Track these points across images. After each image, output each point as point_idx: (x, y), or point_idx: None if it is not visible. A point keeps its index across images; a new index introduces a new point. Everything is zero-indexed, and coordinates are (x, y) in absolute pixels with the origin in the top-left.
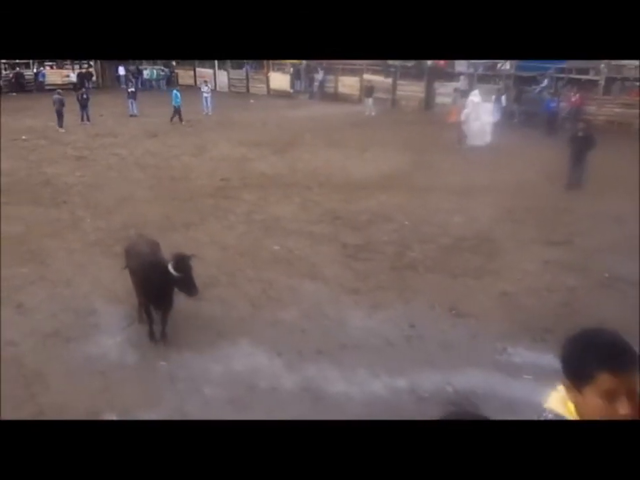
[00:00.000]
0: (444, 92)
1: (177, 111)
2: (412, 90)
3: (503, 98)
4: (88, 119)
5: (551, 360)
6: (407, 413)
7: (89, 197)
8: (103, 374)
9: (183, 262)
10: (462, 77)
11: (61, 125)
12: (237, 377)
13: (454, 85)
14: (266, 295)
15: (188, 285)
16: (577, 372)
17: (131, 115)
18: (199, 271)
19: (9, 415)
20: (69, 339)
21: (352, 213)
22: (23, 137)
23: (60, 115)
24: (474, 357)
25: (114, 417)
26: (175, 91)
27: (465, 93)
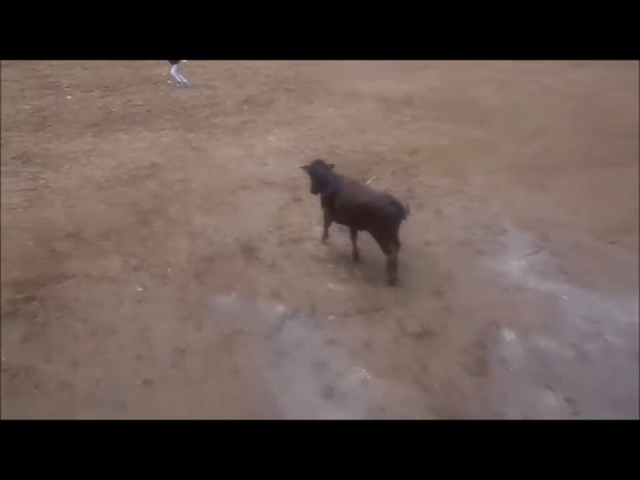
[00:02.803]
0: None
1: None
2: None
3: None
4: None
5: None
6: None
7: (508, 121)
8: (506, 291)
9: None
10: None
11: None
12: None
13: None
14: None
15: None
16: None
17: None
18: (614, 212)
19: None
20: (479, 252)
21: None
22: None
23: None
24: None
25: (513, 335)
26: None
27: None
